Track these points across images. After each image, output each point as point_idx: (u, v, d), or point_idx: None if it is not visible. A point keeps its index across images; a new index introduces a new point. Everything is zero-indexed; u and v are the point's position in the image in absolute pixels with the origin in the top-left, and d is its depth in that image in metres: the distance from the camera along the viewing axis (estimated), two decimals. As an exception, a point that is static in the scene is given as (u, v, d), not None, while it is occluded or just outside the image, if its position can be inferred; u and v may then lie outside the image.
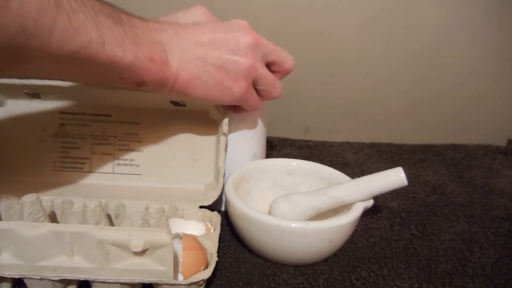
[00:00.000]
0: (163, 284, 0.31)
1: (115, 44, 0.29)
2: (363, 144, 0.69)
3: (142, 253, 0.30)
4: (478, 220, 0.47)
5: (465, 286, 0.36)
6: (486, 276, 0.37)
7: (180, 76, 0.34)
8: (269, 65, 0.39)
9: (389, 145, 0.69)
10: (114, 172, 0.44)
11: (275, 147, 0.65)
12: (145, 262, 0.30)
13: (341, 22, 0.62)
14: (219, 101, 0.37)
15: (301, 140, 0.69)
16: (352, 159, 0.63)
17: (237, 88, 0.36)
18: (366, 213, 0.46)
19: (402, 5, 0.60)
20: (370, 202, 0.38)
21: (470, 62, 0.64)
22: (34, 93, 0.41)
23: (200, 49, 0.34)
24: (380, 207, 0.48)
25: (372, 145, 0.68)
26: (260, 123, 0.45)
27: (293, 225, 0.34)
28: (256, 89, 0.39)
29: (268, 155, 0.50)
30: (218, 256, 0.34)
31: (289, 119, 0.69)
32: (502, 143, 0.71)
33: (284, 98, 0.66)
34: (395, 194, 0.52)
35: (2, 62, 0.27)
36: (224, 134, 0.40)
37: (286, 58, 0.40)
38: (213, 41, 0.35)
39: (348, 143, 0.69)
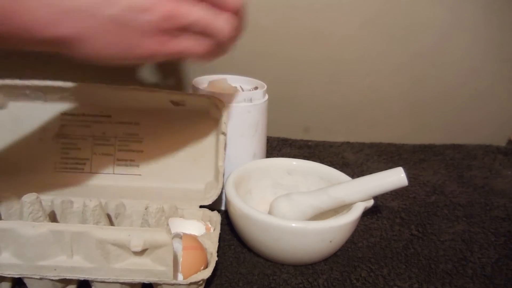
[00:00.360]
0: (162, 284, 0.31)
1: None
2: (363, 144, 0.69)
3: (141, 252, 0.30)
4: (478, 220, 0.47)
5: (465, 286, 0.36)
6: (486, 276, 0.37)
7: (49, 32, 0.24)
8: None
9: (389, 145, 0.69)
10: (114, 172, 0.44)
11: (275, 147, 0.65)
12: (145, 262, 0.30)
13: (341, 22, 0.62)
14: (121, 61, 0.28)
15: (301, 140, 0.69)
16: (352, 159, 0.63)
17: (145, 48, 0.27)
18: (366, 213, 0.46)
19: (402, 5, 0.60)
20: (370, 202, 0.38)
21: (470, 62, 0.64)
22: (36, 94, 0.41)
23: None
24: (380, 207, 0.48)
25: (372, 145, 0.68)
26: (260, 123, 0.45)
27: (293, 225, 0.34)
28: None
29: (268, 155, 0.50)
30: (218, 256, 0.34)
31: (289, 119, 0.69)
32: (502, 143, 0.71)
33: (284, 98, 0.66)
34: (395, 194, 0.52)
35: None
36: (223, 133, 0.40)
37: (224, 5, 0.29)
38: None
39: (348, 143, 0.69)
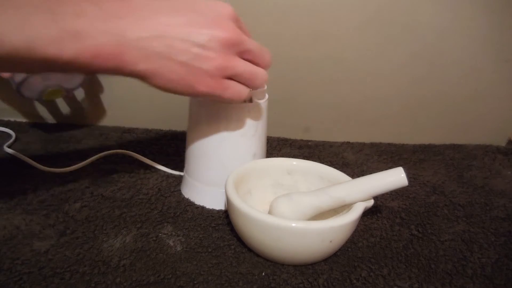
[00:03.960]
0: None
1: (49, 44, 0.27)
2: (363, 144, 0.69)
3: None
4: (478, 220, 0.47)
5: (465, 286, 0.36)
6: (486, 276, 0.37)
7: (137, 68, 0.32)
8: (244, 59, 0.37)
9: (389, 145, 0.69)
10: None
11: (275, 147, 0.65)
12: None
13: (341, 23, 0.62)
14: (185, 94, 0.35)
15: (301, 140, 0.69)
16: (352, 159, 0.63)
17: (201, 87, 0.34)
18: (366, 213, 0.46)
19: (402, 5, 0.60)
20: (370, 202, 0.38)
21: (470, 62, 0.64)
22: None
23: (164, 41, 0.32)
24: (380, 207, 0.48)
25: (372, 145, 0.68)
26: (260, 123, 0.45)
27: (293, 225, 0.34)
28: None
29: (268, 155, 0.50)
30: (218, 256, 0.34)
31: (289, 119, 0.69)
32: (502, 143, 0.71)
33: (284, 98, 0.66)
34: (395, 194, 0.52)
35: None
36: None
37: (263, 57, 0.37)
38: (182, 32, 0.32)
39: (348, 143, 0.69)
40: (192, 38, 0.32)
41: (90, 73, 0.32)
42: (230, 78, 0.36)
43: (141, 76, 0.33)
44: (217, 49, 0.33)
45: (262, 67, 0.38)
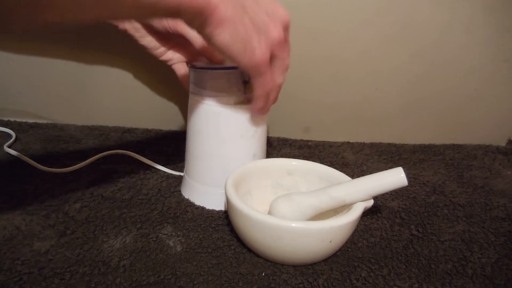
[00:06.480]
0: None
1: None
2: (363, 144, 0.69)
3: None
4: (478, 220, 0.47)
5: (465, 286, 0.36)
6: (486, 276, 0.37)
7: (218, 10, 0.31)
8: None
9: (389, 145, 0.69)
10: None
11: (275, 147, 0.65)
12: None
13: (340, 23, 0.62)
14: (237, 58, 0.35)
15: (301, 140, 0.69)
16: (352, 159, 0.63)
17: (260, 53, 0.35)
18: (366, 213, 0.46)
19: (402, 5, 0.60)
20: (370, 202, 0.38)
21: (470, 62, 0.64)
22: None
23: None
24: (380, 207, 0.48)
25: (372, 145, 0.68)
26: (260, 123, 0.45)
27: (293, 225, 0.34)
28: None
29: (268, 155, 0.50)
30: (218, 256, 0.34)
31: (289, 119, 0.69)
32: (502, 143, 0.71)
33: (284, 98, 0.66)
34: (395, 194, 0.52)
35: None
36: None
37: (289, 56, 0.40)
38: None
39: (348, 143, 0.69)
40: (263, 4, 0.34)
41: (175, 13, 0.31)
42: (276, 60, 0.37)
43: (214, 23, 0.32)
44: (279, 24, 0.35)
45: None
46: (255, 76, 0.37)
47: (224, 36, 0.33)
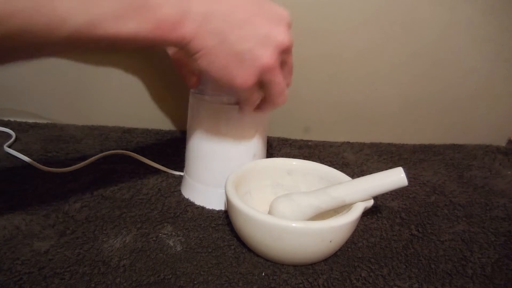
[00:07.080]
0: None
1: (111, 19, 0.27)
2: (363, 144, 0.69)
3: None
4: (478, 220, 0.47)
5: (465, 286, 0.36)
6: (486, 276, 0.37)
7: (193, 42, 0.32)
8: None
9: (389, 145, 0.69)
10: None
11: (275, 147, 0.65)
12: None
13: (340, 22, 0.62)
14: (219, 81, 0.35)
15: (301, 140, 0.69)
16: (352, 159, 0.63)
17: (241, 81, 0.34)
18: (366, 213, 0.46)
19: (402, 4, 0.60)
20: (370, 202, 0.38)
21: (470, 62, 0.64)
22: None
23: (225, 27, 0.32)
24: (380, 207, 0.48)
25: (372, 145, 0.68)
26: (260, 123, 0.45)
27: (293, 225, 0.34)
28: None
29: (268, 155, 0.50)
30: (218, 256, 0.34)
31: (289, 119, 0.69)
32: (502, 143, 0.71)
33: (284, 98, 0.66)
34: (395, 194, 0.52)
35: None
36: None
37: (290, 75, 0.39)
38: (245, 23, 0.32)
39: (348, 143, 0.69)
40: (254, 29, 0.33)
41: (142, 47, 0.32)
42: (261, 83, 0.36)
43: (191, 52, 0.33)
44: (270, 49, 0.33)
45: (288, 84, 0.39)
46: (240, 97, 0.38)
47: (202, 62, 0.33)
